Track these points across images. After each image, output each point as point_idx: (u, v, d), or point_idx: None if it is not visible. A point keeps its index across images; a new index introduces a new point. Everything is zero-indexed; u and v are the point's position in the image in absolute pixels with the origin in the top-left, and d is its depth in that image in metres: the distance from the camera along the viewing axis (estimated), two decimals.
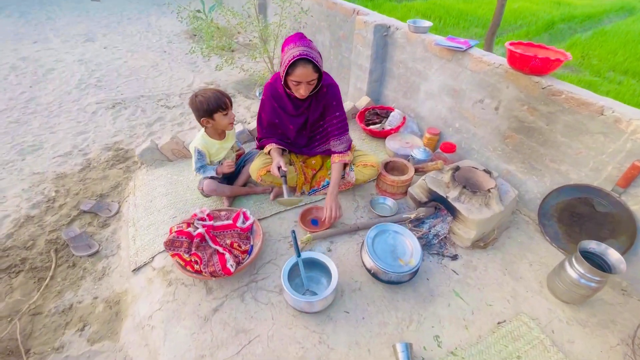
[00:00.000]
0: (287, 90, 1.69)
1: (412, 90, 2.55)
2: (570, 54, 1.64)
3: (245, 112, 3.29)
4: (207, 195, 1.90)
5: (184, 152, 2.31)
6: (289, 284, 1.39)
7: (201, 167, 1.86)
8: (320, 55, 1.61)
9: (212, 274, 1.43)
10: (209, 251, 1.51)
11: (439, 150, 2.25)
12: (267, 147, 1.90)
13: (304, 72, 1.53)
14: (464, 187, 1.77)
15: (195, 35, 3.94)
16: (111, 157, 2.61)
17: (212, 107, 1.68)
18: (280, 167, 1.73)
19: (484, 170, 1.89)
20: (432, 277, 1.62)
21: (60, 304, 1.62)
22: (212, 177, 1.86)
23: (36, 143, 2.78)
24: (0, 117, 3.10)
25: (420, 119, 2.57)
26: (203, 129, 1.84)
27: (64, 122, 3.08)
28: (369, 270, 1.55)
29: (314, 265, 1.56)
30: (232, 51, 4.67)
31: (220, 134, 1.86)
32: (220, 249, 1.52)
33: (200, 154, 1.83)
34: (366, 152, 2.05)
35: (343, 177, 1.97)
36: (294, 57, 1.50)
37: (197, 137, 1.83)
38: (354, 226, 1.83)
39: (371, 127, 2.57)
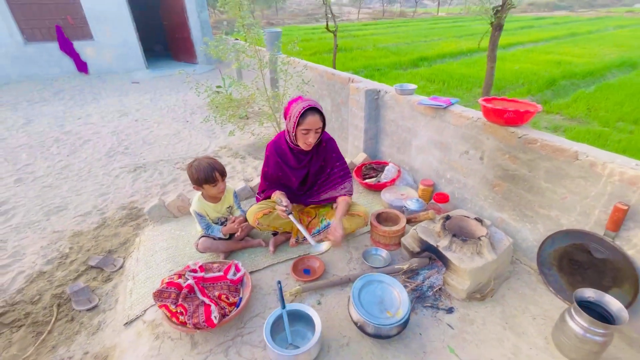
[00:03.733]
0: (291, 145, 1.87)
1: (404, 145, 2.69)
2: (541, 106, 1.75)
3: (253, 171, 3.51)
4: (202, 252, 1.98)
5: (189, 208, 2.46)
6: (271, 338, 1.37)
7: (208, 227, 1.98)
8: None
9: (196, 326, 1.43)
10: (196, 302, 1.54)
11: (432, 200, 2.28)
12: (273, 196, 1.99)
13: (313, 120, 1.70)
14: (454, 235, 1.77)
15: (216, 107, 4.52)
16: (125, 216, 2.80)
17: (201, 179, 1.85)
18: (286, 205, 1.82)
19: (475, 218, 1.89)
20: (426, 332, 1.53)
21: (52, 359, 1.64)
22: (211, 236, 1.97)
23: (62, 204, 3.05)
24: (37, 182, 3.47)
25: (415, 171, 2.66)
26: (200, 192, 2.00)
27: (90, 185, 3.40)
28: (355, 323, 1.50)
29: (300, 318, 1.53)
30: (247, 118, 5.15)
31: (213, 198, 2.01)
32: (207, 301, 1.54)
33: (200, 216, 1.97)
34: (356, 203, 2.12)
35: (327, 227, 2.02)
36: (303, 108, 1.69)
37: (195, 200, 1.98)
38: (345, 278, 1.82)
39: (367, 180, 2.66)
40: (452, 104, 2.23)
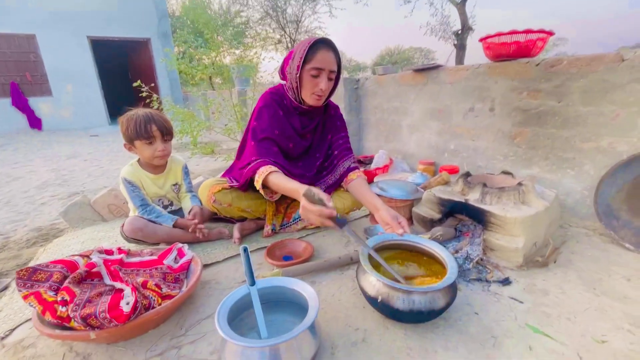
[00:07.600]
0: (295, 103, 1.32)
1: (393, 130, 2.34)
2: (552, 31, 1.50)
3: None
4: (129, 237, 1.34)
5: (125, 209, 1.83)
6: (229, 328, 0.74)
7: (144, 205, 1.38)
8: None
9: (87, 321, 0.77)
10: (99, 289, 0.88)
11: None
12: (263, 172, 1.19)
13: (326, 57, 1.18)
14: (485, 185, 1.31)
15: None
16: (37, 236, 2.06)
17: (131, 132, 1.34)
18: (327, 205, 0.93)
19: (503, 172, 1.47)
20: (484, 310, 0.96)
21: None
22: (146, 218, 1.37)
23: None
24: None
25: (409, 157, 2.27)
26: (137, 158, 1.47)
27: (1, 214, 2.64)
28: (374, 300, 0.90)
29: (281, 304, 0.92)
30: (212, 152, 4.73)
31: (154, 167, 1.47)
32: (120, 285, 0.90)
33: (131, 185, 1.39)
34: None
35: None
36: (312, 40, 1.18)
37: (126, 166, 1.43)
38: (346, 257, 1.24)
39: None
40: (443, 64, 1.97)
